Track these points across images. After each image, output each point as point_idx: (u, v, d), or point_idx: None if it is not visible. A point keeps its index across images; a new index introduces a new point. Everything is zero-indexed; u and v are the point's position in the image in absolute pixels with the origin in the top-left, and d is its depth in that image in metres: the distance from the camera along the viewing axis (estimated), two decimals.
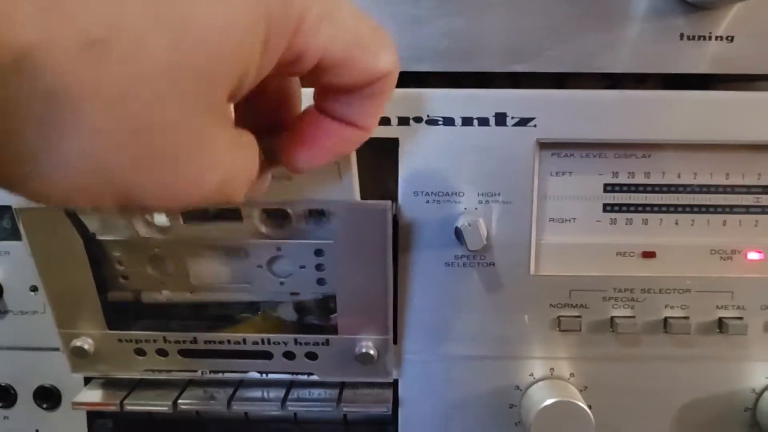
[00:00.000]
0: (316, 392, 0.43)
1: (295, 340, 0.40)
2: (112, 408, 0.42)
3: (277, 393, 0.43)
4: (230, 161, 0.22)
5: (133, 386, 0.43)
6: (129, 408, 0.42)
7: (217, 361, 0.41)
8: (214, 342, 0.40)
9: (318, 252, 0.38)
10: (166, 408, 0.42)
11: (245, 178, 0.24)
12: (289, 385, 0.43)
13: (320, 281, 0.39)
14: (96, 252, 0.39)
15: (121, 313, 0.40)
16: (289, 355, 0.40)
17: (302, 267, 0.39)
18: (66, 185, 0.19)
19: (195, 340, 0.40)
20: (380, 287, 0.38)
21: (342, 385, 0.43)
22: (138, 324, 0.41)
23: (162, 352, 0.41)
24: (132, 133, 0.19)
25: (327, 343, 0.40)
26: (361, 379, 0.41)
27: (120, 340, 0.40)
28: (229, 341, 0.40)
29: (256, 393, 0.43)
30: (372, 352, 0.39)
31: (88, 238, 0.38)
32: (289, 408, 0.42)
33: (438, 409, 0.44)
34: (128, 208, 0.21)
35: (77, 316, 0.40)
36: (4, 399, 0.45)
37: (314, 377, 0.42)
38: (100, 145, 0.19)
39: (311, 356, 0.40)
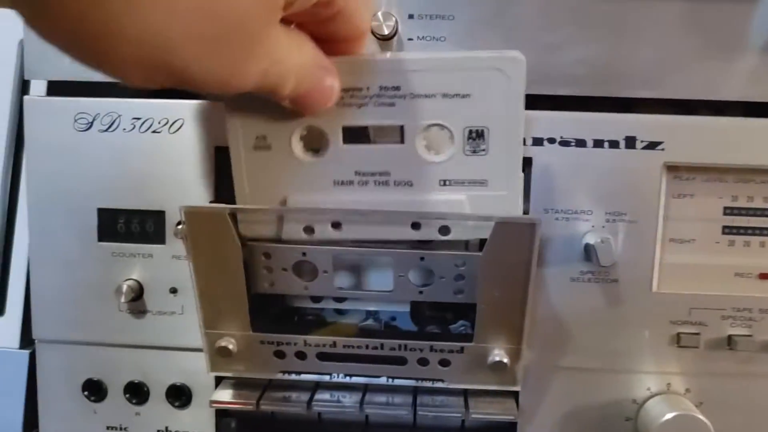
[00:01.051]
0: (439, 399, 0.45)
1: (431, 347, 0.42)
2: (249, 407, 0.43)
3: (403, 399, 0.44)
4: (278, 52, 0.26)
5: (264, 387, 0.45)
6: (264, 407, 0.44)
7: (351, 365, 0.43)
8: (353, 347, 0.42)
9: (460, 263, 0.40)
10: (300, 409, 0.43)
11: (292, 70, 0.29)
12: (415, 391, 0.45)
13: (458, 291, 0.41)
14: (246, 256, 0.41)
15: (265, 317, 0.42)
16: (423, 362, 0.42)
17: (442, 277, 0.41)
18: (134, 55, 0.22)
19: (335, 344, 0.42)
20: (519, 298, 0.40)
21: (465, 393, 0.45)
22: (280, 328, 0.43)
23: (301, 355, 0.43)
24: (203, 14, 0.23)
25: (461, 351, 0.42)
26: (488, 387, 0.43)
27: (262, 342, 0.42)
28: (367, 346, 0.42)
29: (381, 398, 0.45)
30: (505, 360, 0.41)
31: (243, 242, 0.40)
32: (419, 413, 0.43)
33: (555, 419, 0.45)
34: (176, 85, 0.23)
35: (224, 317, 0.42)
36: (137, 396, 0.47)
37: (439, 384, 0.44)
38: (172, 21, 0.22)
39: (444, 363, 0.42)
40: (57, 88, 0.46)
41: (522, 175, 0.39)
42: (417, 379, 0.43)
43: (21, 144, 0.51)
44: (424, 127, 0.38)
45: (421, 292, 0.41)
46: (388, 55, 0.40)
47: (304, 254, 0.40)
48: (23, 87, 0.50)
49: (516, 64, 0.37)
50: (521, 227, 0.38)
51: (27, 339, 0.52)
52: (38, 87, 0.48)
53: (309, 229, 0.40)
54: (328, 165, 0.39)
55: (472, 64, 0.37)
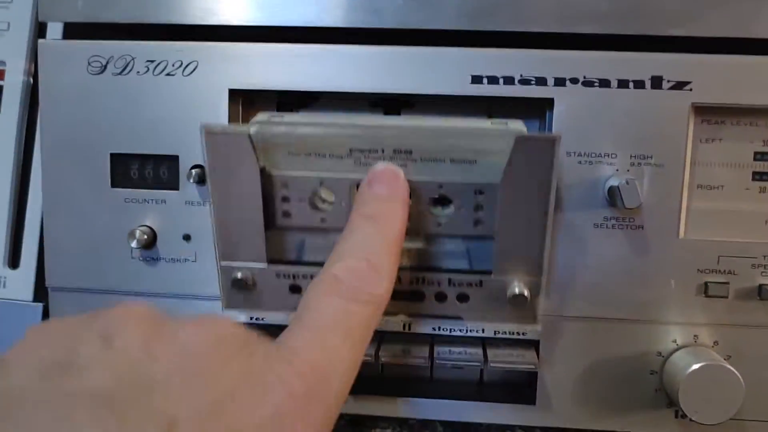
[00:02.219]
0: (457, 350, 0.43)
1: (449, 281, 0.40)
2: None
3: (420, 350, 0.43)
4: None
5: None
6: None
7: None
8: None
9: (479, 191, 0.39)
10: None
11: None
12: (432, 341, 0.44)
13: (477, 222, 0.40)
14: (264, 185, 0.39)
15: (281, 249, 0.41)
16: (441, 297, 0.41)
17: (461, 208, 0.39)
18: None
19: None
20: (539, 225, 0.38)
21: (484, 343, 0.43)
22: (295, 261, 0.41)
23: None
24: None
25: (480, 284, 0.40)
26: (508, 326, 0.42)
27: (278, 275, 0.41)
28: None
29: (398, 348, 0.44)
30: (525, 293, 0.39)
31: (261, 170, 0.39)
32: (437, 362, 0.42)
33: (576, 371, 0.44)
34: None
35: (240, 248, 0.41)
36: None
37: (456, 333, 0.43)
38: None
39: (462, 298, 0.40)
40: (73, 31, 0.45)
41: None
42: (434, 317, 0.42)
43: (37, 93, 0.51)
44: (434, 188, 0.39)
45: (439, 224, 0.40)
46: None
47: (321, 183, 0.39)
48: (40, 31, 0.50)
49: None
50: (541, 143, 0.37)
51: (41, 292, 0.51)
52: (55, 31, 0.47)
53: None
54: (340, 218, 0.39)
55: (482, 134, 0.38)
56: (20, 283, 0.51)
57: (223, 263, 0.40)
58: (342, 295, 0.30)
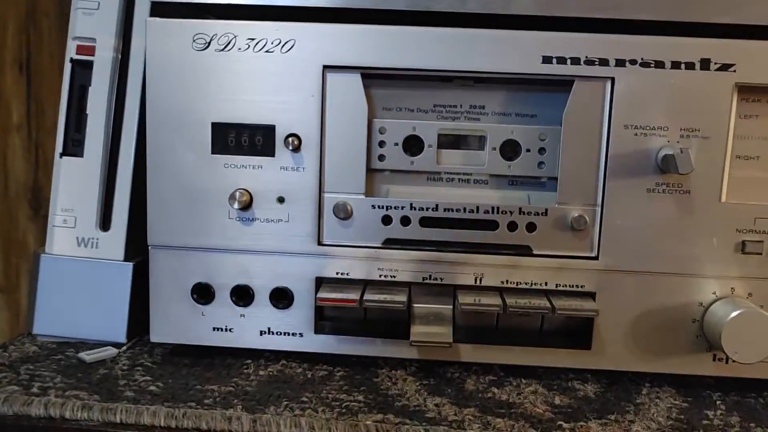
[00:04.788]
0: (523, 300, 0.49)
1: (520, 210, 0.48)
2: (352, 304, 0.48)
3: (491, 299, 0.49)
4: None
5: (364, 287, 0.50)
6: (367, 304, 0.48)
7: (448, 231, 0.49)
8: (452, 210, 0.48)
9: (543, 136, 0.47)
10: (401, 306, 0.48)
11: None
12: (501, 292, 0.49)
13: (541, 164, 0.48)
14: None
15: (377, 185, 0.50)
16: (512, 226, 0.49)
17: (528, 150, 0.48)
18: None
19: (436, 207, 0.49)
20: (596, 158, 0.47)
21: (547, 295, 0.49)
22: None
23: (405, 221, 0.49)
24: None
25: (546, 213, 0.48)
26: (571, 254, 0.49)
27: (373, 207, 0.49)
28: (464, 209, 0.48)
29: (470, 298, 0.49)
30: (585, 216, 0.47)
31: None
32: (509, 310, 0.48)
33: (627, 320, 0.50)
34: None
35: (342, 182, 0.49)
36: (243, 299, 0.52)
37: (522, 286, 0.49)
38: None
39: (531, 227, 0.48)
40: (159, 10, 0.50)
41: None
42: (506, 248, 0.49)
43: (126, 67, 0.55)
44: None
45: (509, 167, 0.48)
46: None
47: (414, 128, 0.48)
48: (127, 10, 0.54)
49: None
50: (598, 83, 0.45)
51: (131, 252, 0.56)
52: (142, 9, 0.52)
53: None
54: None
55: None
56: (112, 244, 0.56)
57: (327, 194, 0.47)
58: None
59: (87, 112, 0.56)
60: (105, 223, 0.56)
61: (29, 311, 0.56)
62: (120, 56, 0.56)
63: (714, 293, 0.49)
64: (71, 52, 0.56)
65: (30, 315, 0.56)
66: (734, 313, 0.46)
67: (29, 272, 0.81)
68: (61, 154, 0.56)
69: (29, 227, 0.86)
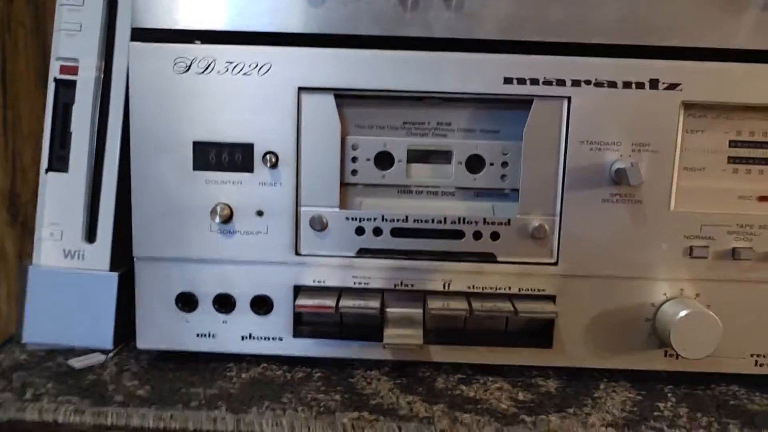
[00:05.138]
0: (489, 304, 0.53)
1: (485, 220, 0.52)
2: (329, 310, 0.51)
3: (458, 303, 0.53)
4: None
5: (339, 294, 0.53)
6: (343, 310, 0.51)
7: (418, 241, 0.53)
8: (421, 221, 0.52)
9: (506, 151, 0.52)
10: (374, 310, 0.51)
11: None
12: (468, 297, 0.53)
13: (503, 177, 0.52)
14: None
15: (350, 198, 0.53)
16: (478, 235, 0.52)
17: (491, 164, 0.52)
18: None
19: (406, 219, 0.52)
20: (555, 172, 0.51)
21: (511, 299, 0.53)
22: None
23: (378, 231, 0.52)
24: None
25: (509, 223, 0.52)
26: (533, 261, 0.53)
27: (347, 219, 0.52)
28: (433, 219, 0.52)
29: (438, 303, 0.53)
30: (545, 226, 0.51)
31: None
32: (475, 313, 0.51)
33: (585, 321, 0.54)
34: None
35: (318, 196, 0.53)
36: (224, 306, 0.55)
37: (488, 290, 0.52)
38: None
39: (495, 236, 0.52)
40: (140, 35, 0.52)
41: None
42: (472, 255, 0.53)
43: (108, 85, 0.58)
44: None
45: (474, 179, 0.52)
46: None
47: (385, 144, 0.52)
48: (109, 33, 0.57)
49: None
50: (556, 102, 0.50)
51: (116, 262, 0.59)
52: (123, 33, 0.56)
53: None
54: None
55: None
56: (97, 255, 0.59)
57: (303, 208, 0.51)
58: None
59: (71, 130, 0.58)
60: (90, 235, 0.59)
61: (18, 321, 0.58)
62: (102, 75, 0.58)
63: (665, 294, 0.53)
64: (55, 71, 0.58)
65: (19, 324, 0.58)
66: (682, 313, 0.51)
67: (8, 278, 0.84)
68: (47, 170, 0.58)
69: (7, 232, 0.88)
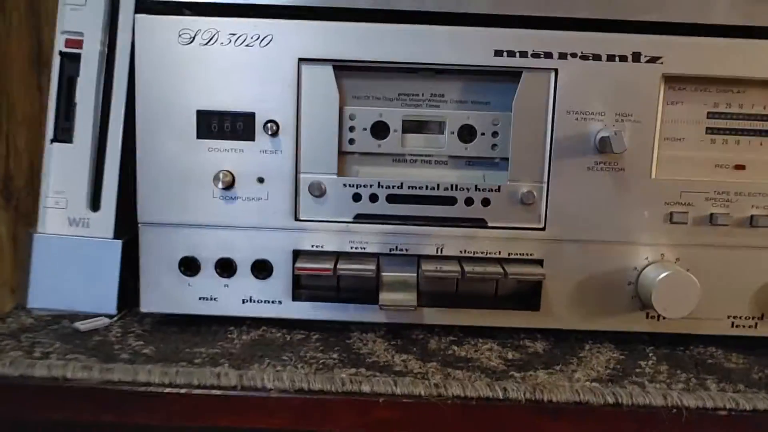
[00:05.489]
0: (480, 267, 0.55)
1: (476, 187, 0.55)
2: (327, 272, 0.54)
3: (451, 266, 0.55)
4: None
5: (336, 258, 0.55)
6: (340, 272, 0.54)
7: (412, 207, 0.55)
8: (415, 187, 0.55)
9: (496, 121, 0.54)
10: (370, 273, 0.54)
11: None
12: (460, 261, 0.56)
13: (494, 146, 0.54)
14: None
15: (348, 166, 0.56)
16: (469, 201, 0.55)
17: (482, 133, 0.54)
18: None
19: (401, 186, 0.55)
20: (543, 140, 0.54)
21: (501, 262, 0.56)
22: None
23: (374, 198, 0.55)
24: None
25: (499, 189, 0.54)
26: (522, 226, 0.56)
27: (345, 185, 0.55)
28: (426, 186, 0.55)
29: (432, 266, 0.55)
30: (534, 192, 0.54)
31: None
32: (467, 275, 0.54)
33: (571, 284, 0.56)
34: None
35: (317, 164, 0.55)
36: (226, 270, 0.57)
37: (479, 255, 0.55)
38: None
39: (485, 202, 0.55)
40: (143, 7, 0.54)
41: None
42: (464, 221, 0.55)
43: (112, 58, 0.60)
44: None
45: (466, 149, 0.54)
46: None
47: (381, 115, 0.54)
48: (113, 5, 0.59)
49: None
50: (544, 74, 0.52)
51: (119, 230, 0.61)
52: (127, 6, 0.58)
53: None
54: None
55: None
56: (102, 223, 0.61)
57: (303, 175, 0.53)
58: None
59: (76, 101, 0.60)
60: (95, 203, 0.61)
61: (23, 286, 0.60)
62: (107, 49, 0.60)
63: (646, 258, 0.56)
64: (60, 45, 0.60)
65: (24, 290, 0.60)
66: (663, 275, 0.53)
67: (2, 260, 0.85)
68: (52, 140, 0.60)
69: (1, 216, 0.89)
